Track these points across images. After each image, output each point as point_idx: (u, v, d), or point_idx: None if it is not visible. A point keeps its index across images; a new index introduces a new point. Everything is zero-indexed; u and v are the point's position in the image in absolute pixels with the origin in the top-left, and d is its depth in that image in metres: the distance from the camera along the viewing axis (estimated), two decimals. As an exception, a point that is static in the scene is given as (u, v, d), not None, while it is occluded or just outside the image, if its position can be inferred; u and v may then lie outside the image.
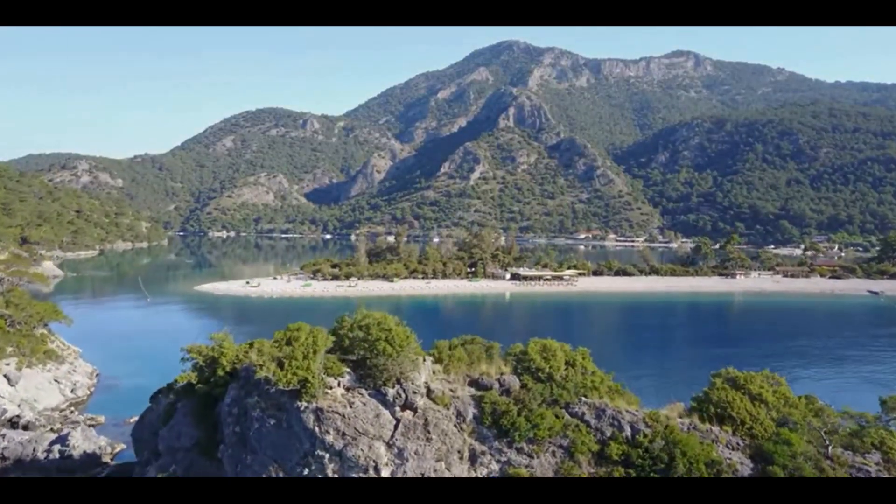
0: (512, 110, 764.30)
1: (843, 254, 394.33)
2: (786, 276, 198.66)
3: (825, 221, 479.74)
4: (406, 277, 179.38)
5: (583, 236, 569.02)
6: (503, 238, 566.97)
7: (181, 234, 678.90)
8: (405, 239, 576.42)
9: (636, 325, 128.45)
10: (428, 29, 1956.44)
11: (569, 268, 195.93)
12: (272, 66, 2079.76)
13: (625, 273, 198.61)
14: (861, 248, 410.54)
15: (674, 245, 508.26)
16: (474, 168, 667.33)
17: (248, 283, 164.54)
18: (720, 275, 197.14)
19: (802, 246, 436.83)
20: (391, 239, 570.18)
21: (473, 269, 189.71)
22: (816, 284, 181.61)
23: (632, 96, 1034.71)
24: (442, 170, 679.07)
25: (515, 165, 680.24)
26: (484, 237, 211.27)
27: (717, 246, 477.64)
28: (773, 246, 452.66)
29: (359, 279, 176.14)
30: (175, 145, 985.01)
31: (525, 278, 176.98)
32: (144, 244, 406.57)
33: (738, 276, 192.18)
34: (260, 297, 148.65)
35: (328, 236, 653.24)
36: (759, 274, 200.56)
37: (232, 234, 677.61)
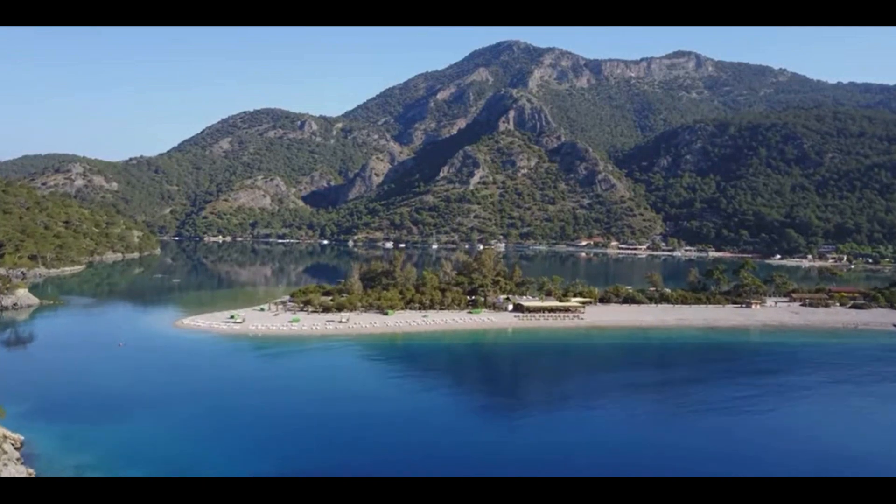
0: (512, 113, 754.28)
1: (852, 266, 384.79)
2: (804, 304, 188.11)
3: (832, 230, 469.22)
4: (402, 308, 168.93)
5: (584, 243, 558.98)
6: (503, 245, 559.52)
7: (177, 238, 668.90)
8: (403, 244, 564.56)
9: (649, 369, 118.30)
10: (427, 28, 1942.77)
11: (574, 295, 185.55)
12: (270, 66, 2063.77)
13: (633, 300, 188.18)
14: (870, 260, 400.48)
15: (678, 254, 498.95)
16: (474, 172, 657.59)
17: (232, 317, 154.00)
18: (734, 303, 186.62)
19: (810, 256, 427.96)
20: (389, 245, 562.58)
21: (474, 299, 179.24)
22: (838, 316, 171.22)
23: (633, 97, 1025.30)
24: (441, 174, 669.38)
25: (516, 169, 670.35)
26: (484, 260, 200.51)
27: (724, 252, 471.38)
28: (779, 256, 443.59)
29: (352, 311, 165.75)
30: (172, 146, 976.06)
31: (529, 310, 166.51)
32: (136, 255, 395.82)
33: (753, 306, 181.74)
34: (244, 336, 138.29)
35: (325, 242, 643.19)
36: (776, 302, 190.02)
37: (228, 238, 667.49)
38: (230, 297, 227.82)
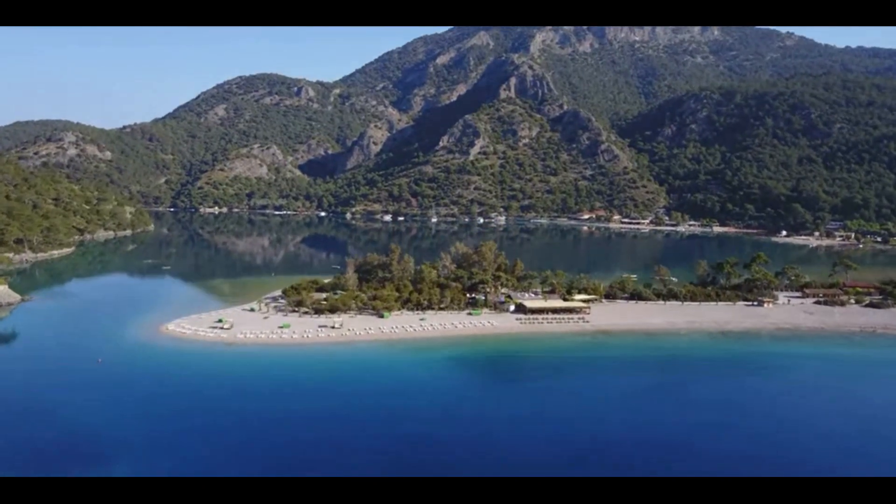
0: (513, 80, 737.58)
1: (860, 244, 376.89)
2: (818, 301, 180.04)
3: (839, 205, 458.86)
4: (399, 309, 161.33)
5: (586, 217, 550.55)
6: (503, 218, 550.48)
7: (172, 209, 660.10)
8: (402, 217, 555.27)
9: (657, 389, 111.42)
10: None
11: (579, 291, 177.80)
12: (265, 27, 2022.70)
13: (640, 297, 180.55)
14: (878, 238, 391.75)
15: (681, 228, 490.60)
16: (474, 142, 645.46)
17: (220, 321, 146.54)
18: (745, 300, 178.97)
19: (817, 233, 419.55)
20: (387, 218, 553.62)
21: (473, 297, 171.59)
22: (854, 317, 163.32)
23: (636, 62, 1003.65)
24: (441, 143, 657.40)
25: (517, 139, 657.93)
26: (485, 253, 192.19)
27: (728, 227, 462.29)
28: (784, 232, 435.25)
29: (346, 311, 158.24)
30: (167, 112, 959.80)
31: (531, 311, 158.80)
32: (128, 232, 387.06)
33: (766, 304, 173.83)
34: (231, 346, 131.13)
35: (322, 214, 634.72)
36: (789, 299, 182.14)
37: (224, 210, 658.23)
38: (220, 289, 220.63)
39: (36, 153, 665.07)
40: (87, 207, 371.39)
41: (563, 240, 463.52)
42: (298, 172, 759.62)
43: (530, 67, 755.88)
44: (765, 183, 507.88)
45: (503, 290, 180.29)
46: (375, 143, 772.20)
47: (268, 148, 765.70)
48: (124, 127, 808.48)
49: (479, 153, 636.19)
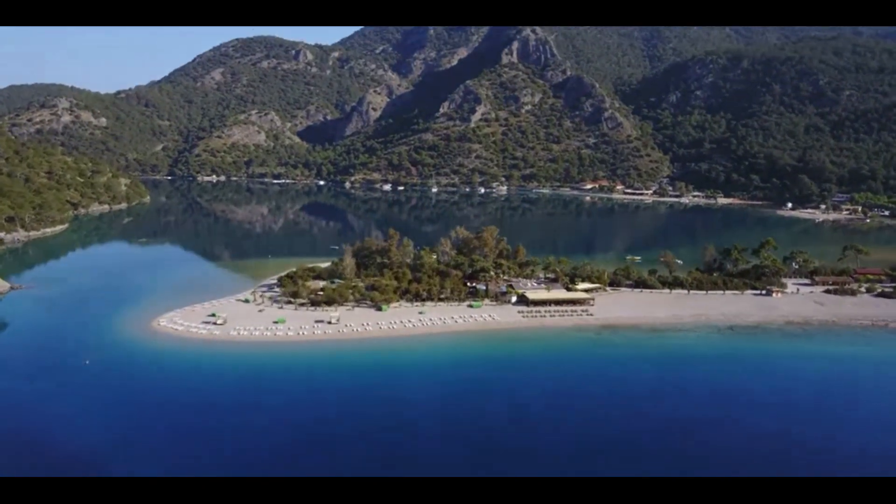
0: (515, 44, 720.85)
1: (867, 219, 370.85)
2: (827, 290, 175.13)
3: (846, 175, 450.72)
4: (398, 300, 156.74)
5: (589, 187, 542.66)
6: (504, 188, 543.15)
7: (169, 178, 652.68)
8: (401, 187, 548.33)
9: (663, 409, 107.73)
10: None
11: (582, 280, 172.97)
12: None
13: (645, 285, 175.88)
14: (886, 212, 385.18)
15: (685, 199, 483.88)
16: (475, 109, 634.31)
17: (213, 316, 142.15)
18: (753, 288, 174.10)
19: (823, 206, 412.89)
20: (387, 187, 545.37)
21: (474, 286, 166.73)
22: (865, 308, 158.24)
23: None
24: (441, 110, 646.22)
25: (519, 106, 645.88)
26: (486, 239, 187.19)
27: (733, 199, 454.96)
28: (790, 205, 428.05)
29: (342, 303, 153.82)
30: (162, 76, 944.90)
31: (534, 303, 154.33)
32: (123, 205, 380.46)
33: (774, 294, 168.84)
34: (225, 343, 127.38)
35: (321, 182, 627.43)
36: (798, 289, 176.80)
37: (222, 178, 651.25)
38: (216, 273, 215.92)
39: (30, 120, 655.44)
40: (81, 180, 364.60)
41: (566, 210, 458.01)
42: (297, 139, 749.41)
43: (533, 31, 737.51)
44: (771, 152, 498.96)
45: (504, 278, 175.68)
46: (375, 109, 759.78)
47: (266, 114, 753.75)
48: (119, 92, 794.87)
49: (481, 120, 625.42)
